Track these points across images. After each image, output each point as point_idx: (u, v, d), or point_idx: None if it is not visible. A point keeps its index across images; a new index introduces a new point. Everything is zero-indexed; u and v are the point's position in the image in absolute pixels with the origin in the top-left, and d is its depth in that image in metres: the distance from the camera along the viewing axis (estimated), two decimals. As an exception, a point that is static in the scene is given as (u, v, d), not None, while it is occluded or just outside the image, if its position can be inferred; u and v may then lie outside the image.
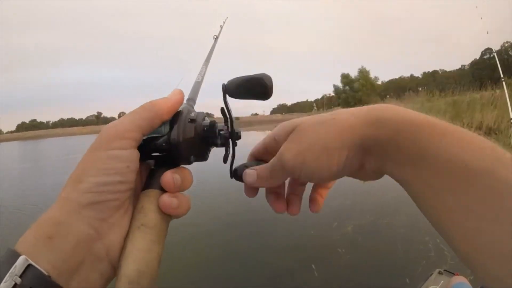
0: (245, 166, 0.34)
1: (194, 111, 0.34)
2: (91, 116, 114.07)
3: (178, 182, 0.30)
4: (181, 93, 0.33)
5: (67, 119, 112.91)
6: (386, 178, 0.29)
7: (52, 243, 0.23)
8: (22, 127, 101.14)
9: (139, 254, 0.25)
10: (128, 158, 0.27)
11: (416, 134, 0.24)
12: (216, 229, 3.55)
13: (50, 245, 0.22)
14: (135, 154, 0.28)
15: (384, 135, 0.25)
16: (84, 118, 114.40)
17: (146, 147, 0.30)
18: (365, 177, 0.30)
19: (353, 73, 21.21)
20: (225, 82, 0.33)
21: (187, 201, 0.31)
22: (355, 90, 20.25)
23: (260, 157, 0.36)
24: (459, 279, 1.42)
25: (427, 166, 0.23)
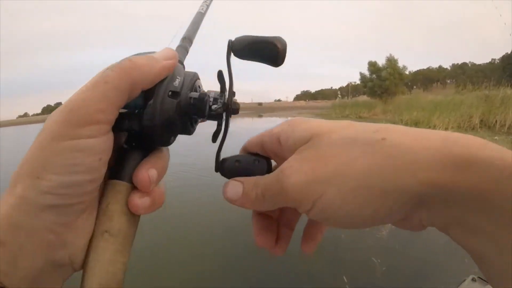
0: (236, 161, 0.27)
1: (180, 74, 0.26)
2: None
3: (154, 178, 0.24)
4: (175, 56, 0.25)
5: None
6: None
7: (5, 250, 0.19)
8: (48, 109, 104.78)
9: (102, 267, 0.22)
10: (101, 149, 0.21)
11: None
12: (215, 232, 3.29)
13: (2, 252, 0.19)
14: (110, 140, 0.22)
15: (471, 185, 0.16)
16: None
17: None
18: (405, 227, 0.21)
19: (380, 61, 20.26)
20: (232, 39, 0.27)
21: (161, 195, 0.25)
22: (382, 79, 19.13)
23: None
24: None
25: None
